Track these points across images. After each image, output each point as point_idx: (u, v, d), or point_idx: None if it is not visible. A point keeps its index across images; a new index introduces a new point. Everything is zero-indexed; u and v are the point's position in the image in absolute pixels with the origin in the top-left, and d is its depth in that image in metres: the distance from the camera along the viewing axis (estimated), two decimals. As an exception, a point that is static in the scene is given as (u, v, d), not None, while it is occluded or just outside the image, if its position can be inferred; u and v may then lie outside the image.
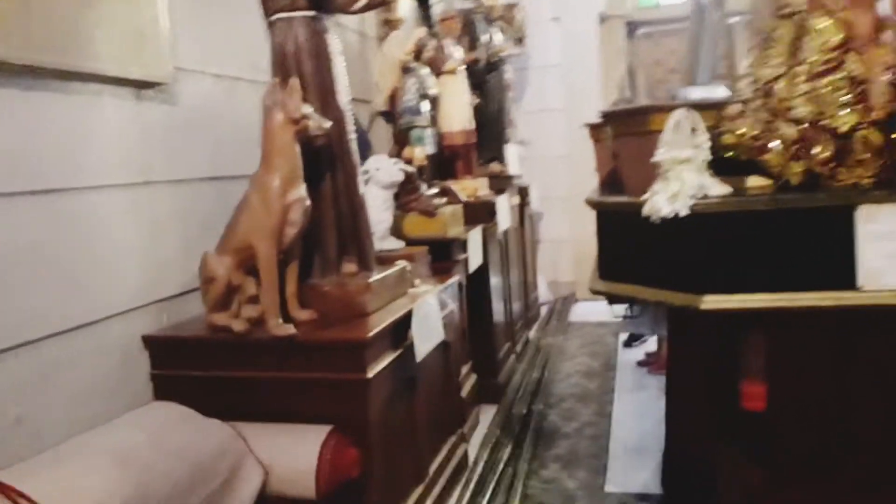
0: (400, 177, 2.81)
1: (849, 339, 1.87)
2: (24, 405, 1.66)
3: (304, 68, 2.13)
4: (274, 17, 2.15)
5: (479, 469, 2.72)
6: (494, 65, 4.50)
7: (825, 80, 1.84)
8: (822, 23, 1.87)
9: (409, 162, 3.09)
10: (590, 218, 2.23)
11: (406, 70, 3.31)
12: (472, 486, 2.59)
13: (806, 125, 1.83)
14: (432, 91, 3.44)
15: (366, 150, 3.08)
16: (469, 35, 4.31)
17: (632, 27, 5.69)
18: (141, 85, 2.06)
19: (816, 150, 1.82)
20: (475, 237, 3.35)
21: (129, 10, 1.98)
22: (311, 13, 2.14)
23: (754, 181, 1.96)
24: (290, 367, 1.96)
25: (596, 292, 2.19)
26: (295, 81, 2.04)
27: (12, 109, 1.66)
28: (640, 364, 3.96)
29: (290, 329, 1.98)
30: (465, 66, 3.91)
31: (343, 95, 2.23)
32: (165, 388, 2.03)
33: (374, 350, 1.99)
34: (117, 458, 1.54)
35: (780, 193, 1.85)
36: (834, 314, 1.80)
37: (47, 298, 1.74)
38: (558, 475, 2.73)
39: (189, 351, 2.05)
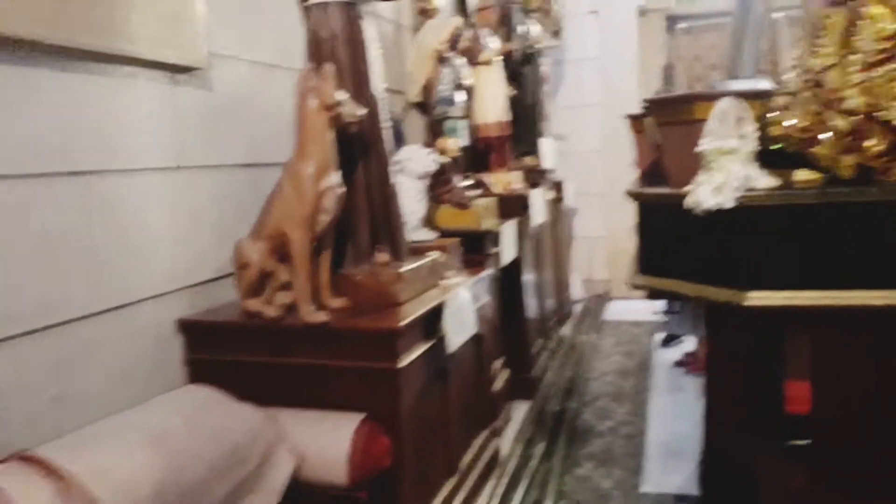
0: (433, 167, 2.78)
1: (899, 339, 1.79)
2: (61, 384, 1.67)
3: (338, 55, 2.12)
4: (309, 3, 2.14)
5: (512, 465, 2.69)
6: (530, 57, 4.44)
7: (880, 71, 1.75)
8: (877, 10, 1.79)
9: (442, 153, 3.05)
10: (626, 214, 2.19)
11: (441, 60, 3.27)
12: (504, 481, 2.56)
13: (859, 117, 1.75)
14: (467, 82, 3.40)
15: (399, 141, 3.07)
16: (505, 26, 4.26)
17: (671, 21, 5.59)
18: (176, 69, 2.06)
19: (869, 142, 1.73)
20: (509, 230, 3.31)
21: (166, -6, 1.99)
22: (347, 0, 2.13)
23: (802, 174, 1.89)
24: (322, 354, 1.95)
25: (635, 287, 2.14)
26: (329, 67, 2.03)
27: (48, 90, 1.67)
28: (678, 364, 3.88)
29: (323, 316, 1.97)
30: (500, 58, 3.86)
31: (377, 83, 2.21)
32: (199, 371, 2.03)
33: (405, 340, 1.97)
34: (152, 438, 1.54)
35: (830, 187, 1.77)
36: (883, 313, 1.72)
37: (83, 280, 1.75)
38: (592, 473, 2.68)
39: (223, 336, 2.05)
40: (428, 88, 3.28)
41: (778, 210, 1.78)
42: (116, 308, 1.84)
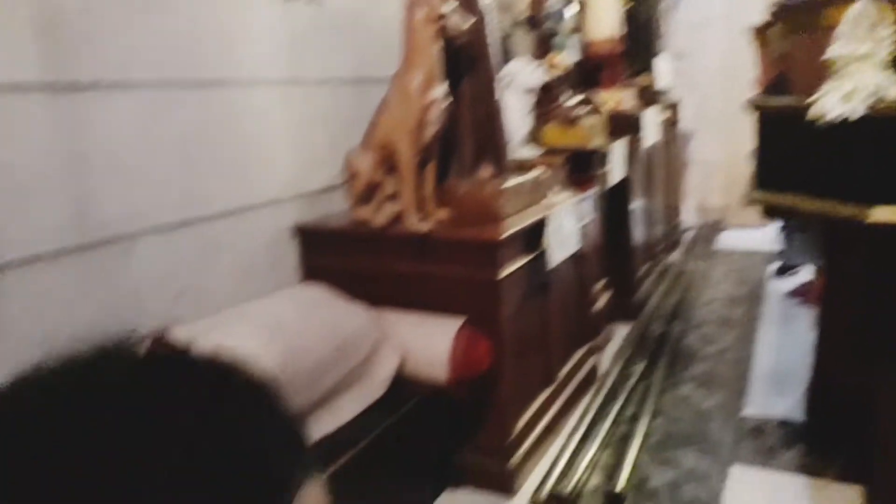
0: (540, 82, 2.73)
1: None
2: (186, 279, 1.83)
3: (447, -35, 2.09)
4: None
5: (611, 381, 2.71)
6: (648, -31, 4.20)
7: None
8: None
9: (550, 68, 2.99)
10: (745, 138, 2.07)
11: (552, -28, 3.16)
12: (601, 395, 2.59)
13: None
14: (579, -5, 3.28)
15: (506, 56, 3.02)
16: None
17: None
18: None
19: None
20: (618, 150, 3.22)
21: None
22: None
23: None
24: (425, 262, 2.02)
25: (750, 203, 2.05)
26: (437, -23, 2.01)
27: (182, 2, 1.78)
28: (792, 294, 3.72)
29: (427, 226, 2.03)
30: (616, -30, 3.68)
31: (485, -6, 2.18)
32: (311, 274, 2.16)
33: (506, 251, 2.00)
34: (270, 327, 1.67)
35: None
36: None
37: (208, 182, 1.88)
38: (693, 394, 2.66)
39: (334, 242, 2.16)
40: (537, 2, 3.19)
41: (912, 121, 1.64)
42: (240, 210, 1.98)
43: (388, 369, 1.88)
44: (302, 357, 1.66)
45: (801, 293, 3.66)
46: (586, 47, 3.52)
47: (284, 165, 2.15)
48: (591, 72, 3.61)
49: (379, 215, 2.11)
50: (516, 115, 2.66)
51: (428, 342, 1.91)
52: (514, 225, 2.05)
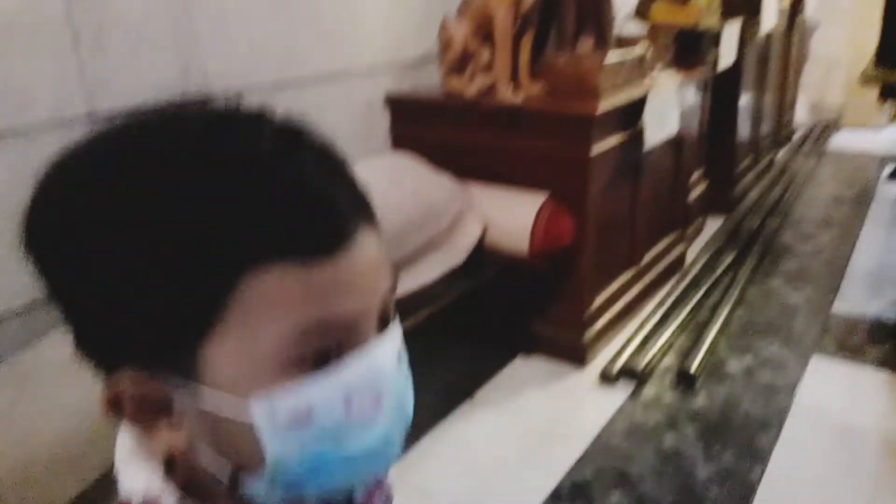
0: (653, -48, 2.56)
1: None
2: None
3: None
4: None
5: (696, 269, 2.68)
6: None
7: None
8: None
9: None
10: (873, 34, 1.89)
11: None
12: (685, 281, 2.57)
13: None
14: None
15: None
16: None
17: None
18: None
19: None
20: (730, 32, 3.02)
21: None
22: None
23: None
24: (516, 135, 2.01)
25: (867, 82, 1.91)
26: None
27: None
28: (905, 198, 3.50)
29: (520, 98, 2.01)
30: None
31: None
32: (401, 143, 2.20)
33: (600, 128, 1.97)
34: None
35: None
36: None
37: (307, 44, 1.92)
38: (781, 288, 2.60)
39: (424, 112, 2.18)
40: None
41: None
42: (334, 75, 2.02)
43: (471, 238, 1.93)
44: (388, 219, 1.72)
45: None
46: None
47: (380, 32, 2.15)
48: (709, -56, 3.33)
49: (471, 86, 2.10)
50: (622, -13, 2.52)
51: (512, 214, 1.94)
52: (612, 102, 2.00)
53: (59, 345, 1.20)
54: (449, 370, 1.88)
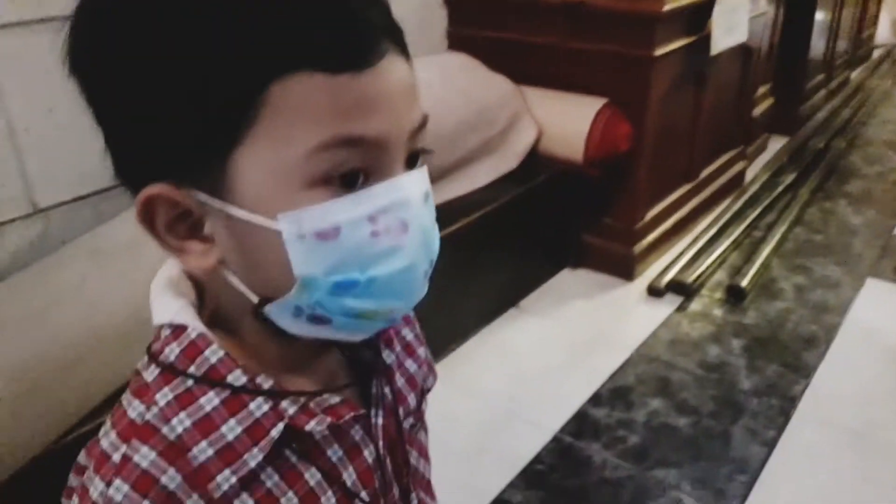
0: None
1: None
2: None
3: None
4: None
5: (755, 188, 2.60)
6: None
7: None
8: None
9: None
10: None
11: None
12: (742, 200, 2.50)
13: None
14: None
15: None
16: None
17: None
18: None
19: None
20: (813, -65, 2.81)
21: None
22: None
23: None
24: (576, 36, 1.95)
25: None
26: None
27: None
28: None
29: (582, -4, 1.93)
30: None
31: None
32: (457, 45, 2.15)
33: (665, 28, 1.88)
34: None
35: None
36: None
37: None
38: (843, 210, 2.51)
39: (483, 11, 2.11)
40: None
41: None
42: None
43: (525, 143, 1.91)
44: (443, 119, 1.71)
45: None
46: None
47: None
48: None
49: (533, -18, 2.02)
50: None
51: (567, 119, 1.90)
52: (679, 0, 1.91)
53: (127, 224, 1.25)
54: (496, 276, 1.90)
